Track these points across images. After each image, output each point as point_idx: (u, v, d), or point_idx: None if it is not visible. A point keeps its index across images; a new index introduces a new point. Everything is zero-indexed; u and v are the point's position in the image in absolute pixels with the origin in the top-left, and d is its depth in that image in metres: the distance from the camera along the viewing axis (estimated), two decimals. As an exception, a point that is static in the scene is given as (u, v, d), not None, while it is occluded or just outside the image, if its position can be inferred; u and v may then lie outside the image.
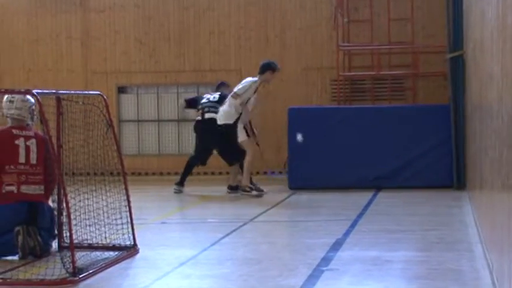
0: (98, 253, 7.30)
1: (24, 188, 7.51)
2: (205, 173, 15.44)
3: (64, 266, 6.49)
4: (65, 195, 6.75)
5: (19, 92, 7.63)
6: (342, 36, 15.45)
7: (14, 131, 7.60)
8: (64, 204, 6.92)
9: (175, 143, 16.41)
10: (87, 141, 9.23)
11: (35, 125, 7.79)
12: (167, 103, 16.38)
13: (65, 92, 8.70)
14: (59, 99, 7.62)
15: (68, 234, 6.66)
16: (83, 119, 8.44)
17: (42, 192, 7.61)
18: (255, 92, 12.44)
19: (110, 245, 7.64)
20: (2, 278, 6.39)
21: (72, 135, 7.89)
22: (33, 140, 7.62)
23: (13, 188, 7.44)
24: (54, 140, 7.20)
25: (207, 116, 12.71)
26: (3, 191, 7.44)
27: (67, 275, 6.39)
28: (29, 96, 7.59)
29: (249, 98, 12.35)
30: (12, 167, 7.49)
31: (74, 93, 8.52)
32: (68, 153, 7.69)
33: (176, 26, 16.25)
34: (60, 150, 7.54)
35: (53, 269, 6.52)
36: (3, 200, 7.41)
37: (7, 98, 7.69)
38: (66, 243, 7.16)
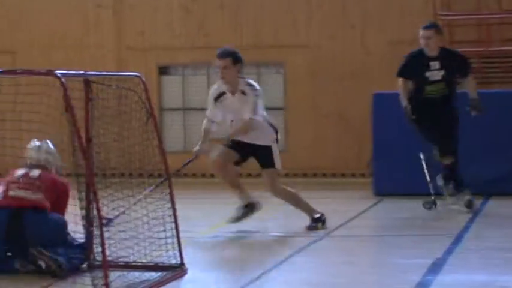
0: (137, 274, 7.37)
1: (12, 193, 7.82)
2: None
3: (95, 288, 6.56)
4: (96, 201, 6.79)
5: (39, 73, 7.67)
6: (441, 2, 15.33)
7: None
8: (95, 213, 6.97)
9: (229, 137, 16.42)
10: (122, 135, 9.31)
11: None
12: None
13: (94, 73, 8.76)
14: (87, 82, 7.69)
15: (100, 249, 6.72)
16: (116, 107, 8.52)
17: (38, 197, 7.85)
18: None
19: (152, 264, 7.70)
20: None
21: (103, 126, 7.96)
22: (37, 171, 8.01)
23: None
24: (80, 133, 7.27)
25: None
26: None
27: (100, 299, 6.46)
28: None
29: None
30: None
31: (106, 75, 8.59)
32: (98, 149, 7.76)
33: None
34: (89, 145, 7.59)
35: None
36: None
37: (34, 144, 8.18)
38: (98, 261, 7.22)
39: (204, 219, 10.93)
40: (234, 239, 9.98)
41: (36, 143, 8.32)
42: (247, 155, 10.32)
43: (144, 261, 7.71)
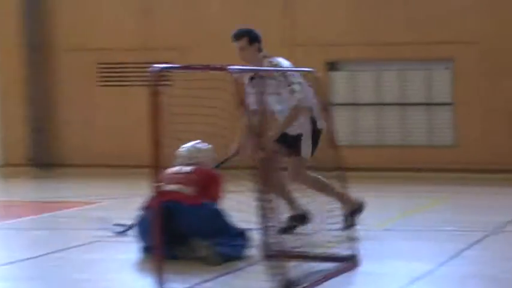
0: (312, 264, 7.42)
1: (168, 188, 8.05)
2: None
3: (272, 277, 6.66)
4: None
5: (214, 68, 7.83)
6: None
7: None
8: (269, 204, 7.07)
9: (398, 131, 16.36)
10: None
11: None
12: (389, 82, 16.35)
13: (265, 68, 8.88)
14: (260, 77, 7.82)
15: (276, 240, 6.83)
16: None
17: (191, 191, 8.14)
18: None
19: (325, 255, 7.77)
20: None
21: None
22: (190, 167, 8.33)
23: None
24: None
25: None
26: None
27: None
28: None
29: None
30: None
31: (277, 70, 8.69)
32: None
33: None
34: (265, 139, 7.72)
35: (259, 281, 6.70)
36: None
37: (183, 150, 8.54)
38: (273, 251, 7.33)
39: (376, 213, 10.92)
40: (404, 231, 9.98)
41: (184, 149, 8.55)
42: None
43: (318, 252, 7.79)
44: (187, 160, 8.48)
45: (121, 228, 9.26)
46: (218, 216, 8.11)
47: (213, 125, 8.68)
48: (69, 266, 7.85)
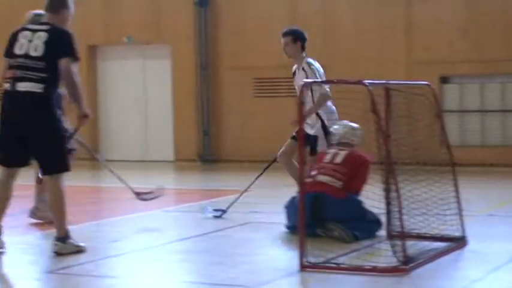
0: (427, 243, 7.28)
1: (319, 178, 7.92)
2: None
3: (395, 254, 6.55)
4: (396, 184, 6.79)
5: (350, 82, 7.78)
6: None
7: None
8: (393, 193, 6.97)
9: (500, 133, 16.00)
10: (412, 132, 9.26)
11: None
12: (491, 93, 16.00)
13: (394, 82, 8.75)
14: (387, 89, 7.70)
15: (398, 222, 6.73)
16: (408, 110, 8.48)
17: (338, 185, 7.95)
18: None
19: (438, 236, 7.60)
20: (335, 263, 6.59)
21: (397, 125, 7.95)
22: (342, 153, 8.09)
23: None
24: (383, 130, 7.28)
25: None
26: None
27: (398, 263, 6.45)
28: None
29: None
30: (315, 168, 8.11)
31: (403, 84, 8.58)
32: (395, 143, 7.75)
33: (500, 15, 15.78)
34: (388, 140, 7.60)
35: (383, 256, 6.61)
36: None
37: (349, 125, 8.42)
38: (395, 232, 7.22)
39: (480, 201, 10.64)
40: (507, 217, 9.66)
41: (339, 126, 8.42)
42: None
43: (432, 233, 7.63)
44: (342, 139, 8.33)
45: (218, 213, 9.29)
46: (359, 206, 8.01)
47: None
48: (227, 242, 7.88)
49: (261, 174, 9.60)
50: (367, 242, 7.55)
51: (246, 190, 9.66)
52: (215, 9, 17.57)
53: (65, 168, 7.21)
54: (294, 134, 9.12)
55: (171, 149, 18.03)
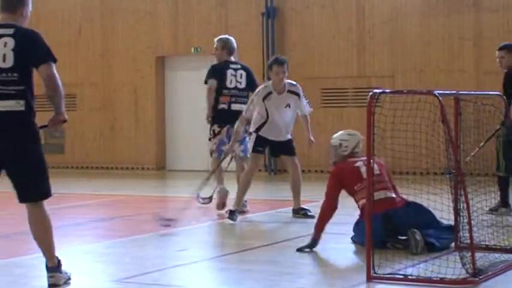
0: (496, 255, 7.16)
1: (379, 196, 7.81)
2: None
3: (463, 266, 6.46)
4: (465, 195, 6.70)
5: (421, 93, 7.72)
6: None
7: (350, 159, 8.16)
8: (463, 204, 6.88)
9: None
10: (479, 142, 9.16)
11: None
12: None
13: (464, 92, 8.70)
14: (457, 100, 7.63)
15: (467, 234, 6.63)
16: (477, 120, 8.39)
17: (395, 195, 7.96)
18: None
19: (508, 248, 7.48)
20: (402, 275, 6.53)
21: (467, 134, 7.87)
22: (375, 165, 7.81)
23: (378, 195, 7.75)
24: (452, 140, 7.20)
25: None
26: (360, 206, 7.89)
27: (467, 275, 6.36)
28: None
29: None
30: (359, 184, 7.90)
31: (474, 94, 8.49)
32: (464, 153, 7.67)
33: None
34: (458, 150, 7.52)
35: (452, 268, 6.52)
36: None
37: (357, 134, 8.25)
38: (464, 243, 7.13)
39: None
40: None
41: (348, 136, 8.29)
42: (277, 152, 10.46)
43: (501, 245, 7.51)
44: (356, 148, 8.22)
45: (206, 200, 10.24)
46: (424, 211, 7.91)
47: (414, 139, 8.53)
48: (293, 252, 7.74)
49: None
50: (436, 253, 7.45)
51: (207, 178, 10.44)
52: (282, 20, 17.62)
53: (48, 194, 6.43)
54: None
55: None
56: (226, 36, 11.28)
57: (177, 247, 8.39)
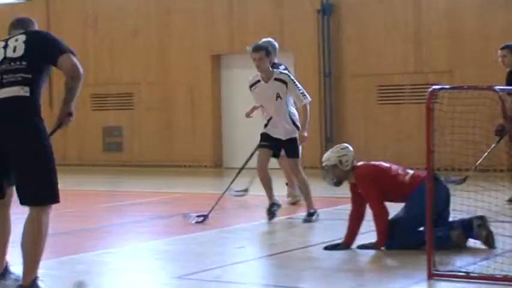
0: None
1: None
2: None
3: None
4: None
5: (481, 88, 7.61)
6: None
7: None
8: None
9: None
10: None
11: None
12: None
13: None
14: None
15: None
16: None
17: None
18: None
19: None
20: (464, 272, 6.44)
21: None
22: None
23: None
24: None
25: None
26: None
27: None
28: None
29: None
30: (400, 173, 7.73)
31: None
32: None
33: None
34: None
35: (513, 265, 6.43)
36: None
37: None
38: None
39: None
40: None
41: (346, 150, 7.96)
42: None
43: None
44: (355, 161, 7.88)
45: (200, 218, 9.57)
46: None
47: (473, 134, 8.43)
48: (353, 250, 7.70)
49: (241, 168, 10.25)
50: (497, 251, 7.34)
51: (223, 194, 10.22)
52: (338, 16, 17.53)
53: (48, 199, 5.79)
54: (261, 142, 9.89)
55: (294, 157, 18.05)
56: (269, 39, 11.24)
57: (236, 244, 8.39)
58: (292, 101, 10.00)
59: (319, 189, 13.12)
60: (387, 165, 7.81)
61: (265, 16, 18.13)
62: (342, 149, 7.91)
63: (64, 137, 20.06)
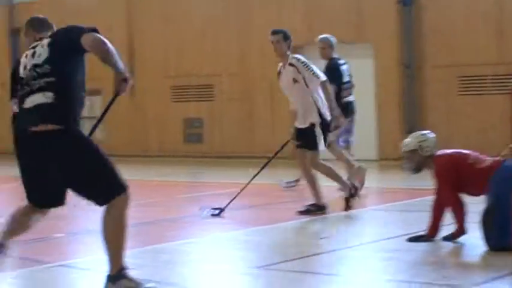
0: None
1: None
2: None
3: None
4: None
5: None
6: None
7: None
8: None
9: None
10: None
11: None
12: None
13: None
14: None
15: None
16: None
17: None
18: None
19: None
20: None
21: None
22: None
23: None
24: None
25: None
26: None
27: None
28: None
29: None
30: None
31: None
32: None
33: None
34: None
35: None
36: None
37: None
38: None
39: None
40: None
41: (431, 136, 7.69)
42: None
43: None
44: (435, 149, 7.55)
45: (216, 211, 9.47)
46: None
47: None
48: (436, 242, 7.49)
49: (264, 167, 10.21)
50: None
51: (245, 186, 9.98)
52: (419, 7, 17.26)
53: (114, 192, 5.64)
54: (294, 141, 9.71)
55: (374, 148, 17.87)
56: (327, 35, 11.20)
57: (317, 235, 8.31)
58: (319, 90, 9.63)
59: (399, 181, 12.95)
60: (467, 152, 7.58)
61: (344, 7, 17.97)
62: (422, 134, 7.70)
63: (145, 129, 20.28)
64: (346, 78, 11.37)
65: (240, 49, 19.31)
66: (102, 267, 5.83)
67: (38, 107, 5.61)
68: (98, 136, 20.62)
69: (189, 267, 6.94)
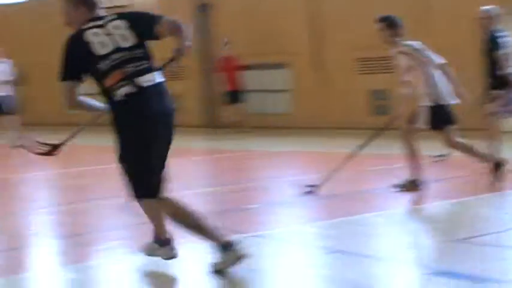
0: None
1: None
2: None
3: None
4: None
5: None
6: None
7: None
8: None
9: None
10: None
11: None
12: None
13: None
14: None
15: None
16: None
17: None
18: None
19: None
20: None
21: None
22: None
23: None
24: None
25: None
26: None
27: None
28: None
29: None
30: None
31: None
32: None
33: None
34: None
35: None
36: None
37: None
38: None
39: None
40: None
41: None
42: None
43: None
44: None
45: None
46: None
47: None
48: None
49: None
50: None
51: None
52: None
53: (137, 194, 5.81)
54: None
55: None
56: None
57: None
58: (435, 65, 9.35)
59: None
60: None
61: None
62: None
63: (329, 101, 20.26)
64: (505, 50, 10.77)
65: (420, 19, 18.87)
66: (295, 238, 5.84)
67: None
68: (286, 108, 20.70)
69: (385, 239, 6.89)
